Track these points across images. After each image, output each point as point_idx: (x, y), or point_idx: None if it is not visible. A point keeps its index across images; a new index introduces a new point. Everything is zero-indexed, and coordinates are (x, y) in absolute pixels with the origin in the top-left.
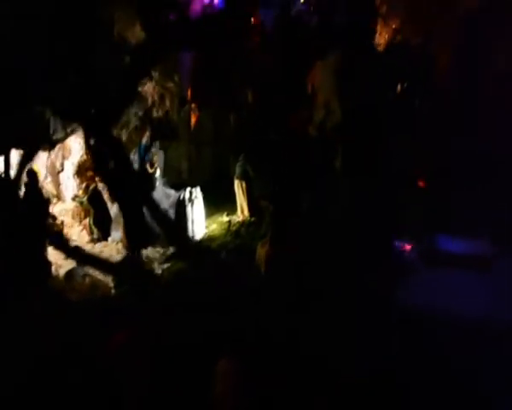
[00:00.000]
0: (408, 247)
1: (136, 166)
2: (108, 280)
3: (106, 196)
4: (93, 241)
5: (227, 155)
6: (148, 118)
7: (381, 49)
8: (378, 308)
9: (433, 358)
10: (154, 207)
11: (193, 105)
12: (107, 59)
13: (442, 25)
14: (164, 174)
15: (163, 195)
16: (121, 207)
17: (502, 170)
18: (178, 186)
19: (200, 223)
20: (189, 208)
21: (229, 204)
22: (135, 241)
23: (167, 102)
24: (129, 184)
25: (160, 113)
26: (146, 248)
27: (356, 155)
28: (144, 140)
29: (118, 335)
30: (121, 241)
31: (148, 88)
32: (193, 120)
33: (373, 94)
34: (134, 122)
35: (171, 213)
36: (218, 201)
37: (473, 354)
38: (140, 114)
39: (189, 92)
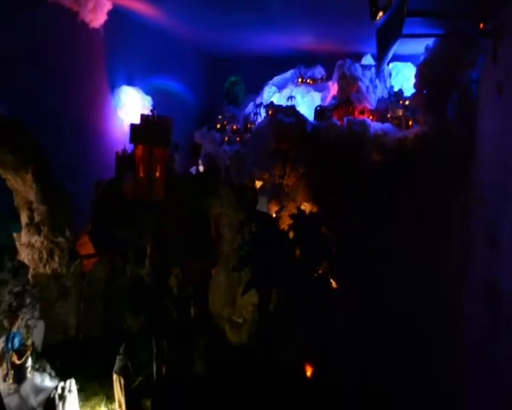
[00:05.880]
0: None
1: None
2: None
3: None
4: None
5: (121, 309)
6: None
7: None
8: None
9: None
10: None
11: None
12: None
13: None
14: (46, 336)
15: (32, 390)
16: None
17: None
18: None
19: None
20: (59, 408)
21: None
22: None
23: (56, 258)
24: None
25: (48, 270)
26: None
27: None
28: (16, 326)
29: None
30: None
31: (36, 243)
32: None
33: None
34: (7, 301)
35: None
36: (101, 379)
37: None
38: (16, 290)
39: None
